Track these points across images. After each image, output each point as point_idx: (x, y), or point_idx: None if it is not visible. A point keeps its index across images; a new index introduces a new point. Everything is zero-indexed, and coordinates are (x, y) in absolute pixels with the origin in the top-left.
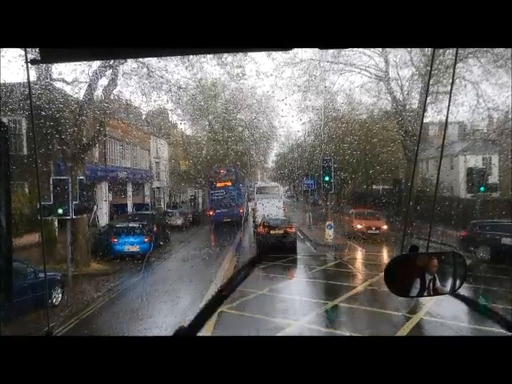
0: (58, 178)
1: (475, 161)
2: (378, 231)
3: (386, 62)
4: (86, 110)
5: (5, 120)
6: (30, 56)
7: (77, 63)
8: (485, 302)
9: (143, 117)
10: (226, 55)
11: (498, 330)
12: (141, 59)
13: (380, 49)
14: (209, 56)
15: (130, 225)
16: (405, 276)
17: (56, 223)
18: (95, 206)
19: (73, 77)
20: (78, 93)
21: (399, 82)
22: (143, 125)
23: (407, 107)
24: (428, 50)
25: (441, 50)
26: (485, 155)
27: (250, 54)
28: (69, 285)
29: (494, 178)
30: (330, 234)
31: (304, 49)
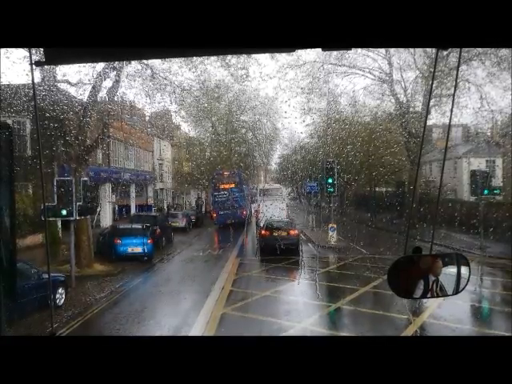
0: (61, 179)
1: (479, 163)
2: None
3: (390, 64)
4: (90, 112)
5: (9, 121)
6: (34, 58)
7: (81, 65)
8: None
9: (147, 118)
10: (229, 57)
11: (498, 332)
12: (145, 61)
13: (384, 51)
14: (212, 58)
15: (133, 226)
16: (408, 277)
17: (59, 224)
18: (99, 208)
19: (77, 78)
20: (82, 94)
21: (403, 84)
22: (147, 126)
23: (411, 109)
24: (432, 53)
25: (444, 53)
26: (488, 157)
27: (253, 55)
28: (72, 286)
29: (497, 181)
30: (332, 236)
31: (307, 51)
